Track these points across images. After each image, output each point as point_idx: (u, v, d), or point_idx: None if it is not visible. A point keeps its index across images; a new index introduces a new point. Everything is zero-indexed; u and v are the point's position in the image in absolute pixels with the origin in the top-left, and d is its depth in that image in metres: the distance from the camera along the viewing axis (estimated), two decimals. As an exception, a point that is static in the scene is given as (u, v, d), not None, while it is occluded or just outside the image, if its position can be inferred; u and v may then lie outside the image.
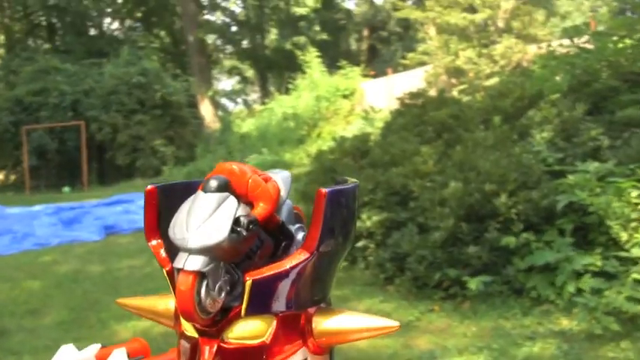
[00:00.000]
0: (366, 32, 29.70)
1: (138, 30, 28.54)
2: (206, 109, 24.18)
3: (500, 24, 18.20)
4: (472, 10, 18.54)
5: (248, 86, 31.67)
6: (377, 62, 25.87)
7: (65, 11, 24.64)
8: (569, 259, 5.05)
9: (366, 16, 29.34)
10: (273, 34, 28.31)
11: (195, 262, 0.91)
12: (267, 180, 1.03)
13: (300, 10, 25.85)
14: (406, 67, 20.42)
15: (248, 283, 0.95)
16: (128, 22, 28.82)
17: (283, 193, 1.06)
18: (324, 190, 0.95)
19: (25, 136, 19.43)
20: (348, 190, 0.99)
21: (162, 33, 29.62)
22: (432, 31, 19.66)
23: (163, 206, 1.05)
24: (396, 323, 1.00)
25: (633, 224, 4.96)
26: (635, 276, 4.71)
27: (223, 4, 29.29)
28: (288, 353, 1.00)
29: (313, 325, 1.02)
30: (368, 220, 6.37)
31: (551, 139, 6.34)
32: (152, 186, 1.04)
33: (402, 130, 7.56)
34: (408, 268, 5.73)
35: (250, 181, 0.99)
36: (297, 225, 1.10)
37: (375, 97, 18.31)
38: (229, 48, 30.56)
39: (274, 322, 0.99)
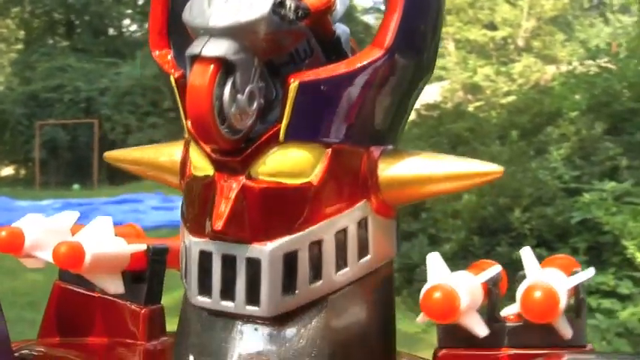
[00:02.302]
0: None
1: (156, 32, 28.68)
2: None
3: (520, 43, 18.22)
4: (492, 27, 18.59)
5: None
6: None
7: (84, 10, 24.71)
8: (581, 277, 4.95)
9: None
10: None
11: (218, 46, 0.66)
12: None
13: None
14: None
15: (293, 87, 0.69)
16: (147, 25, 28.98)
17: (339, 7, 0.77)
18: None
19: (38, 130, 19.43)
20: None
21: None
22: (450, 46, 19.64)
23: (179, 4, 0.76)
24: (496, 168, 0.74)
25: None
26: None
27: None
28: (342, 205, 0.74)
29: (379, 171, 0.75)
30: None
31: (568, 156, 6.30)
32: None
33: (416, 140, 7.51)
34: (417, 279, 5.64)
35: None
36: None
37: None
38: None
39: (325, 157, 0.72)
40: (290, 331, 0.73)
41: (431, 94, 15.40)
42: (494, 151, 6.47)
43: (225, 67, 0.66)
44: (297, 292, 0.73)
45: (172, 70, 0.77)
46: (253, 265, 0.72)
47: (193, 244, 0.76)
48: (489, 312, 0.72)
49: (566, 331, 0.71)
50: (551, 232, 5.34)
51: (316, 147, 0.72)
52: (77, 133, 20.17)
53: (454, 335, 0.76)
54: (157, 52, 0.81)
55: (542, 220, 5.31)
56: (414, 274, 5.67)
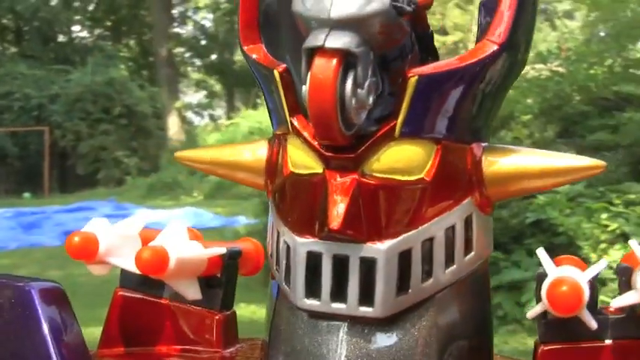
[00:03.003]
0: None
1: (107, 39, 28.36)
2: (172, 122, 24.06)
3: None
4: (444, 32, 18.66)
5: (215, 100, 31.59)
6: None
7: (32, 17, 24.46)
8: (536, 278, 5.02)
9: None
10: (242, 50, 28.31)
11: (342, 38, 0.63)
12: None
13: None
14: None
15: (412, 81, 0.68)
16: (97, 31, 28.65)
17: None
18: None
19: (-13, 139, 19.21)
20: None
21: (132, 43, 29.48)
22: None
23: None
24: (599, 162, 0.73)
25: (602, 245, 4.97)
26: (603, 297, 4.70)
27: (194, 17, 29.26)
28: (451, 202, 0.72)
29: (484, 167, 0.73)
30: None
31: (521, 159, 6.35)
32: None
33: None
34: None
35: None
36: None
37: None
38: (198, 61, 30.49)
39: (435, 153, 0.70)
40: (400, 332, 0.72)
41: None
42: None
43: (347, 59, 0.64)
44: (410, 291, 0.72)
45: (275, 64, 0.75)
46: (368, 264, 0.71)
47: (299, 245, 0.73)
48: (592, 306, 0.70)
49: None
50: (507, 235, 5.36)
51: (427, 143, 0.70)
52: (27, 140, 19.93)
53: (557, 330, 0.76)
54: (247, 47, 0.78)
55: (497, 223, 5.34)
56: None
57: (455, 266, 0.73)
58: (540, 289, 0.72)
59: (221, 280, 0.90)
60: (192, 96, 32.01)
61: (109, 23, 28.54)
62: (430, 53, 0.78)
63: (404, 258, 0.71)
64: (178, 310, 0.91)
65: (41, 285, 0.71)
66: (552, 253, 0.77)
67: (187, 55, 30.26)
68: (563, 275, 0.68)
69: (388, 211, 0.70)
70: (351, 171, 0.69)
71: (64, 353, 0.67)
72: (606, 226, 5.03)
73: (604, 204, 5.15)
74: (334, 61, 0.63)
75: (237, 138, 18.76)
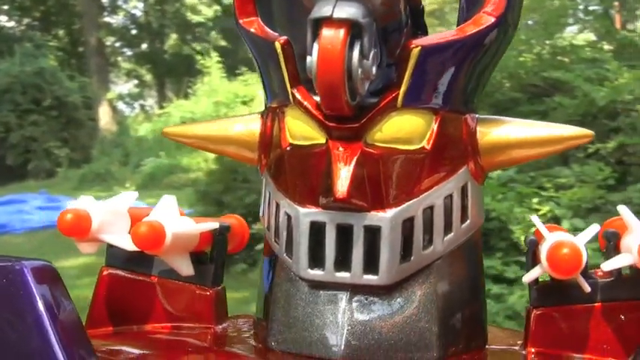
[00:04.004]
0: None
1: (35, 28, 27.90)
2: (103, 112, 23.76)
3: (449, 17, 18.43)
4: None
5: (146, 90, 31.28)
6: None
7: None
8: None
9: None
10: (172, 39, 28.03)
11: (349, 9, 0.64)
12: None
13: (197, 18, 25.66)
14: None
15: (415, 52, 0.69)
16: (26, 20, 28.17)
17: None
18: None
19: None
20: None
21: (61, 32, 29.04)
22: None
23: None
24: (587, 132, 0.77)
25: (534, 229, 5.02)
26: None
27: (124, 6, 28.91)
28: (449, 171, 0.76)
29: (478, 137, 0.77)
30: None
31: (454, 145, 6.40)
32: None
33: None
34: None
35: None
36: None
37: (275, 105, 18.27)
38: (128, 51, 30.17)
39: (434, 122, 0.73)
40: (401, 299, 0.74)
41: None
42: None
43: (353, 30, 0.65)
44: (412, 258, 0.74)
45: (275, 36, 0.76)
46: (372, 233, 0.73)
47: (302, 215, 0.74)
48: (583, 270, 0.73)
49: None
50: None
51: (426, 113, 0.72)
52: (-46, 132, 19.62)
53: (548, 294, 0.80)
54: (243, 20, 0.80)
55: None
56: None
57: (452, 234, 0.77)
58: (534, 254, 0.77)
59: (212, 255, 0.90)
60: (123, 86, 31.62)
61: (37, 13, 28.09)
62: (420, 28, 0.81)
63: (407, 226, 0.73)
64: (168, 287, 0.90)
65: (33, 264, 0.69)
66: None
67: (118, 44, 29.90)
68: (562, 239, 0.71)
69: (391, 180, 0.73)
70: (355, 141, 0.71)
71: (61, 331, 0.66)
72: (537, 210, 5.09)
73: (535, 189, 5.22)
74: (342, 31, 0.64)
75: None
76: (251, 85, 19.28)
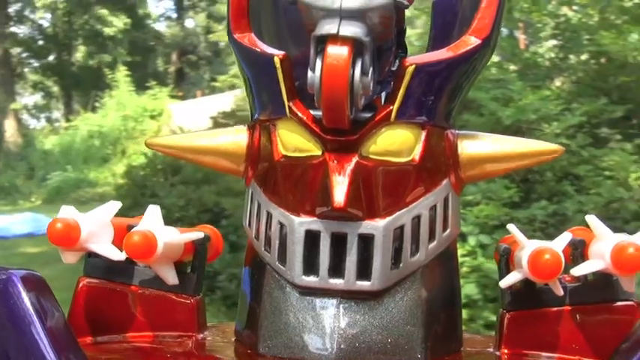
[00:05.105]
0: (175, 54, 29.50)
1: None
2: (8, 124, 23.31)
3: (414, 40, 18.56)
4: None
5: (52, 102, 30.76)
6: (185, 84, 25.71)
7: None
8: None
9: (176, 38, 29.12)
10: (80, 51, 27.67)
11: (353, 27, 0.67)
12: None
13: (108, 31, 25.39)
14: (216, 90, 20.31)
15: (409, 70, 0.74)
16: None
17: None
18: None
19: None
20: None
21: (-36, 43, 28.42)
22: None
23: None
24: (559, 147, 0.83)
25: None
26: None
27: (32, 16, 28.40)
28: (435, 182, 0.81)
29: (459, 151, 0.82)
30: (178, 237, 6.21)
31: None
32: None
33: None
34: (218, 286, 5.70)
35: None
36: None
37: (184, 119, 18.14)
38: (35, 62, 29.64)
39: (422, 136, 0.78)
40: (390, 304, 0.79)
41: (225, 101, 15.44)
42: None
43: (356, 48, 0.68)
44: (401, 265, 0.78)
45: (274, 50, 0.78)
46: (366, 241, 0.76)
47: (297, 224, 0.77)
48: None
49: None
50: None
51: (416, 127, 0.77)
52: None
53: (520, 298, 0.85)
54: (238, 35, 0.82)
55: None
56: (216, 281, 5.71)
57: (435, 242, 0.81)
58: (509, 261, 0.85)
59: (194, 264, 0.92)
60: (29, 98, 31.02)
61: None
62: (401, 47, 0.86)
63: (397, 234, 0.78)
64: (149, 296, 0.91)
65: (22, 273, 0.71)
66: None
67: (24, 55, 29.36)
68: (543, 245, 0.77)
69: (385, 190, 0.77)
70: (350, 153, 0.75)
71: (52, 337, 0.67)
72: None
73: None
74: (347, 48, 0.67)
75: (76, 141, 18.35)
76: (160, 99, 19.14)
